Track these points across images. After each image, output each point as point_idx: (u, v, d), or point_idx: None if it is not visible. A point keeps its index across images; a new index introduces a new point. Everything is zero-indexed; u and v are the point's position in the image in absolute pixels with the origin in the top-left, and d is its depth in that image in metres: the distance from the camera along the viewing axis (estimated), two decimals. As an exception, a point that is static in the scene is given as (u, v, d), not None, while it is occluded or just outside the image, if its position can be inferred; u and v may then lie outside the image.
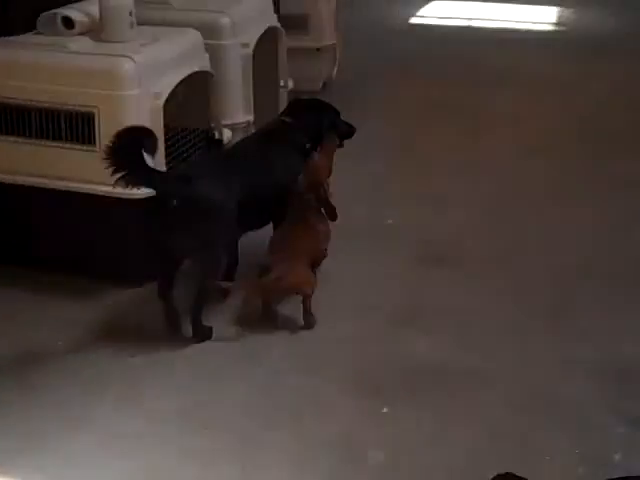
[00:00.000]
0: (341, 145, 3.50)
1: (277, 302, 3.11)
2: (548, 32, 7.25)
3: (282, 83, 4.38)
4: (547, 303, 3.23)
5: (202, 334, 2.97)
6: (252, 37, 3.93)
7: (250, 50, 3.89)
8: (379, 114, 5.35)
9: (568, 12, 8.04)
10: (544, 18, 7.84)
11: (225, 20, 3.83)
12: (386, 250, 3.63)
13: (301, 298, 3.02)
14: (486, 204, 4.08)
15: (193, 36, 3.54)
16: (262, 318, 3.07)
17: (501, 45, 6.61)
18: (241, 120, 3.94)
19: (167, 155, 3.25)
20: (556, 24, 7.63)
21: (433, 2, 8.65)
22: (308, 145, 3.39)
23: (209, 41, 3.66)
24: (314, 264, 3.17)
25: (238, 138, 3.90)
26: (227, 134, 3.77)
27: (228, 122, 3.84)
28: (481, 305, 3.21)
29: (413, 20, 7.99)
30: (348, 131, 3.55)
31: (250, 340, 2.99)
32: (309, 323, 3.03)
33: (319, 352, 2.94)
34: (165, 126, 3.22)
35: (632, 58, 6.25)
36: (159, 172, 2.94)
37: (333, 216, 3.19)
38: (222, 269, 3.05)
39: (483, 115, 5.27)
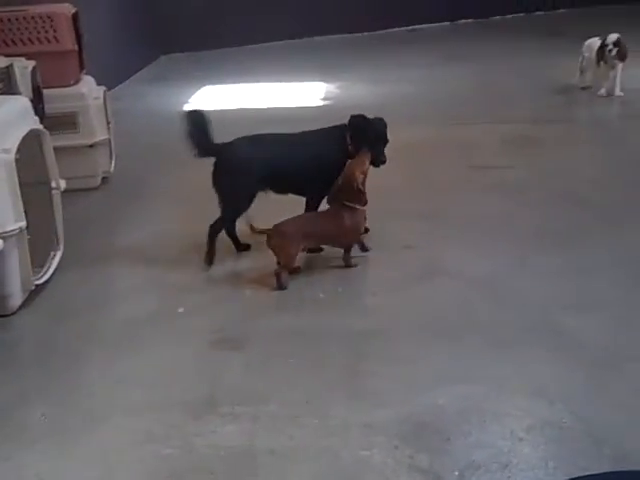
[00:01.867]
0: (373, 164, 4.26)
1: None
2: (316, 107, 7.58)
3: (53, 184, 4.27)
4: (341, 368, 3.30)
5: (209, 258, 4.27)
6: (12, 142, 3.80)
7: (12, 156, 3.75)
8: (163, 202, 5.35)
9: (332, 87, 8.50)
10: (312, 94, 8.22)
11: (-20, 128, 3.70)
12: (179, 340, 3.59)
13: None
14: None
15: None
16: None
17: (274, 123, 6.79)
18: (11, 228, 3.77)
19: None
20: (323, 99, 8.01)
21: (204, 87, 8.85)
22: (351, 147, 4.24)
23: (-34, 151, 3.53)
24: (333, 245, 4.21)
25: (11, 247, 3.77)
26: (-4, 243, 3.62)
27: (-2, 231, 3.68)
28: (277, 382, 3.23)
29: (187, 106, 8.10)
30: (379, 157, 4.31)
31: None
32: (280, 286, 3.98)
33: (112, 457, 2.82)
34: None
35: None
36: (215, 143, 4.21)
37: (364, 202, 4.11)
38: (239, 211, 4.25)
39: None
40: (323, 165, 4.23)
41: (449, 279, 4.07)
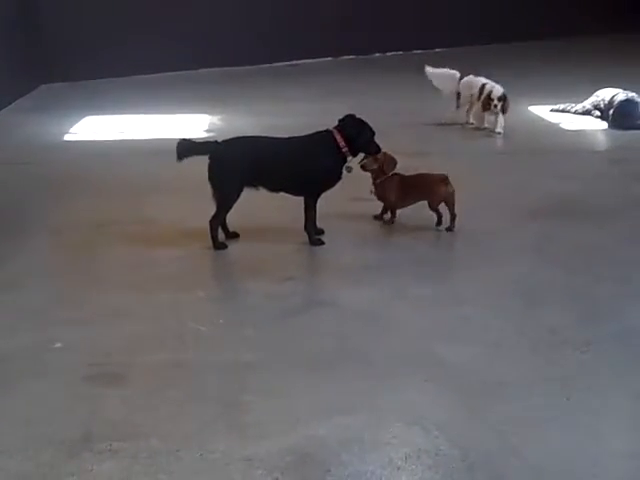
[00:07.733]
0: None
1: None
2: (200, 138, 7.54)
3: None
4: (221, 401, 3.28)
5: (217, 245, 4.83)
6: None
7: None
8: (42, 237, 5.20)
9: (215, 119, 8.51)
10: (195, 125, 8.20)
11: None
12: (53, 375, 3.49)
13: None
14: (158, 312, 4.11)
15: None
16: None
17: (157, 154, 6.74)
18: None
19: None
20: (207, 130, 8.01)
21: (86, 118, 8.69)
22: (345, 149, 4.84)
23: None
24: None
25: None
26: None
27: None
28: (157, 417, 3.17)
29: (67, 137, 7.94)
30: (376, 150, 5.05)
31: None
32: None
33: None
34: None
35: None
36: (207, 142, 4.99)
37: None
38: (228, 202, 4.80)
39: (146, 225, 5.33)
40: (309, 167, 4.78)
41: (329, 310, 4.12)
